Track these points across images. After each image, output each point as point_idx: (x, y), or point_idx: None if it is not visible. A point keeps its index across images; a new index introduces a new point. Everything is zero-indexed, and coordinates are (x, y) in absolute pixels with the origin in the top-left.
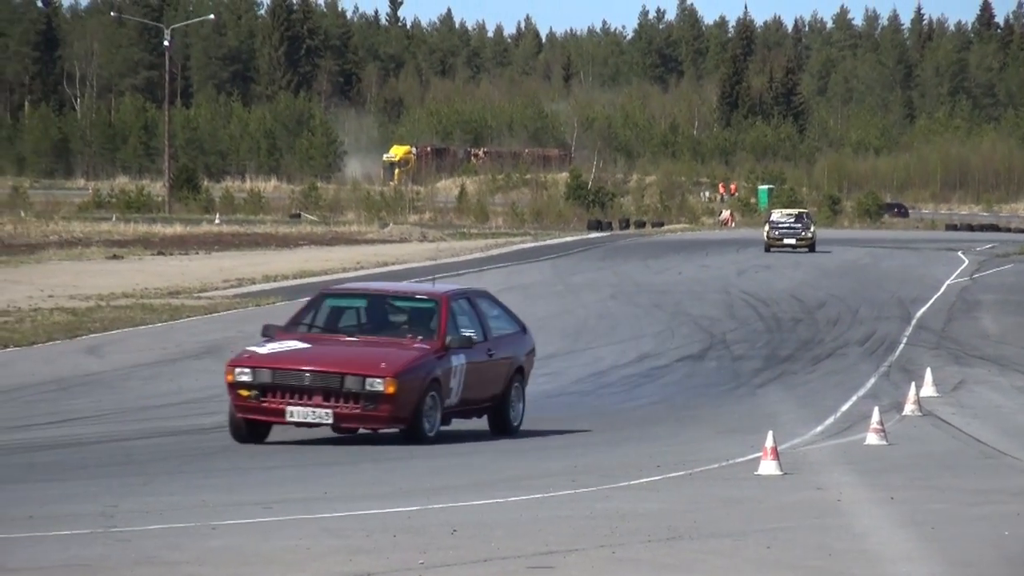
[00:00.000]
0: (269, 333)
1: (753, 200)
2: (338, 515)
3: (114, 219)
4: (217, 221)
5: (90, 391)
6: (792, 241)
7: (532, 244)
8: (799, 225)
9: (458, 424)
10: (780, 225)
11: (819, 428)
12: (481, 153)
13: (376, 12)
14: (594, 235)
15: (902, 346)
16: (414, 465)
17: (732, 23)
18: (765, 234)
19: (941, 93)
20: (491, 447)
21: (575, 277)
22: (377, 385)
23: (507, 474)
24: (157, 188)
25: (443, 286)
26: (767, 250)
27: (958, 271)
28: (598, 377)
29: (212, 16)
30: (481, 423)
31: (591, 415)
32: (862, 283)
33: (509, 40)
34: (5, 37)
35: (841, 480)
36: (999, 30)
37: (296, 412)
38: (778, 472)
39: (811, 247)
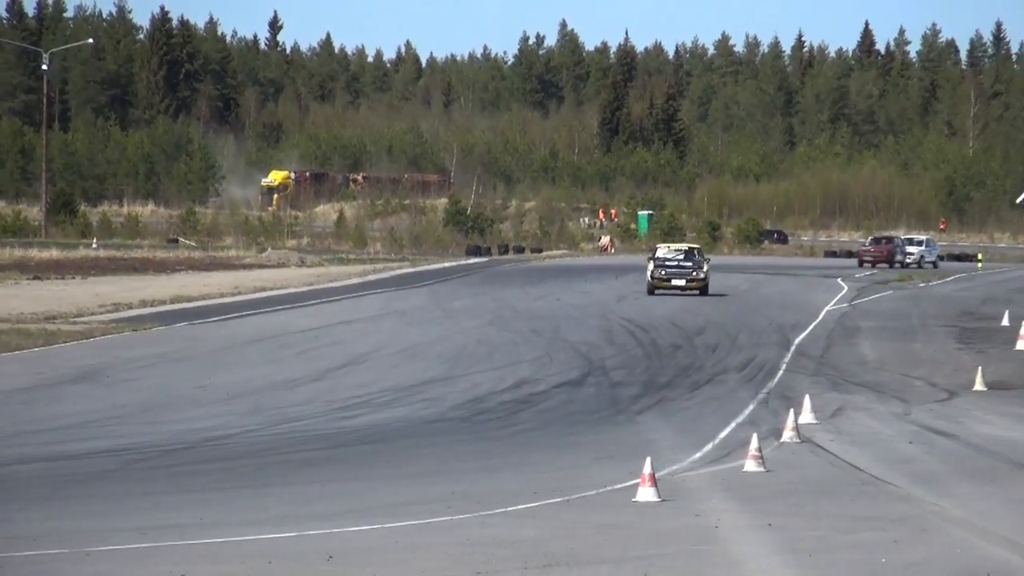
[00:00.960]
0: None
1: (633, 226)
2: (214, 541)
3: None
4: (94, 246)
5: None
6: (681, 283)
7: (410, 270)
8: (689, 264)
9: (333, 448)
10: (668, 263)
11: (697, 455)
12: (360, 178)
13: (255, 36)
14: (473, 261)
15: (781, 372)
16: (292, 491)
17: (613, 49)
18: (648, 274)
19: (821, 120)
20: (373, 472)
21: (453, 303)
22: None
23: (384, 500)
24: (34, 212)
25: None
26: (651, 292)
27: (837, 298)
28: (476, 403)
29: (91, 40)
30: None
31: (469, 441)
32: (741, 309)
33: (389, 65)
34: None
35: (719, 507)
36: (880, 57)
37: None
38: (656, 499)
39: (703, 290)
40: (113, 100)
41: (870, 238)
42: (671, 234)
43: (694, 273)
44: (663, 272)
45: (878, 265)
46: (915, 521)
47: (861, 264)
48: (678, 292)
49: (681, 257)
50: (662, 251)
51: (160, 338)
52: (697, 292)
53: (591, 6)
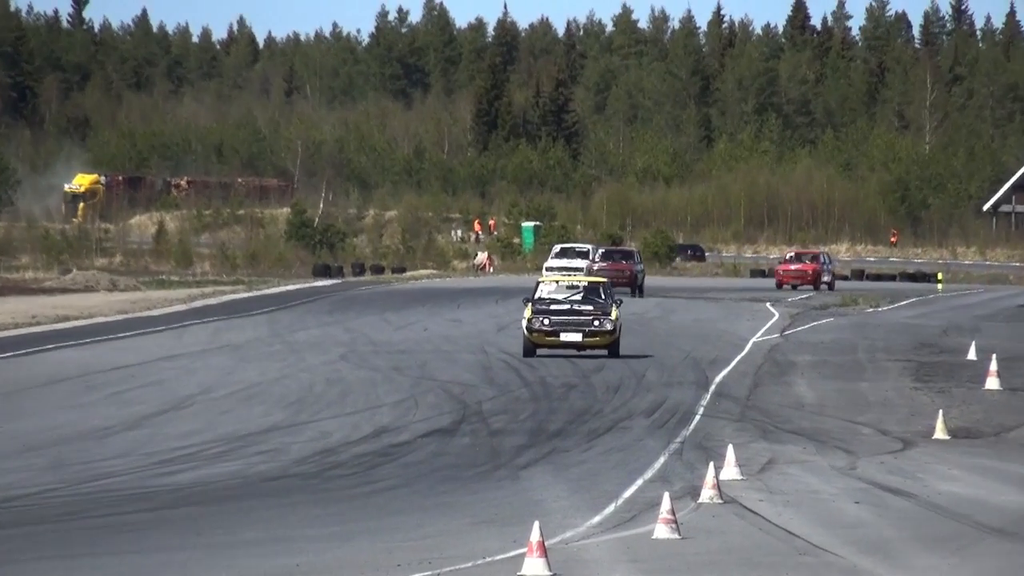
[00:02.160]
0: None
1: (516, 240)
2: None
3: None
4: None
5: None
6: (576, 337)
7: (245, 294)
8: (589, 307)
9: (153, 511)
10: (554, 307)
11: (596, 518)
12: (184, 183)
13: (56, 13)
14: (321, 283)
15: (698, 418)
16: (102, 563)
17: (491, 25)
18: (524, 324)
19: (745, 111)
20: (205, 539)
21: (297, 334)
22: None
23: (217, 574)
24: None
25: None
26: (528, 354)
27: (766, 327)
28: (325, 456)
29: None
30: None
31: (317, 503)
32: (649, 341)
33: (218, 47)
34: None
35: None
36: (815, 35)
37: None
38: (546, 572)
39: (613, 348)
40: None
41: (789, 253)
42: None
43: (596, 323)
44: (545, 322)
45: (801, 287)
46: None
47: (780, 286)
48: (572, 353)
49: (577, 295)
50: (545, 288)
51: None
52: (605, 351)
53: None
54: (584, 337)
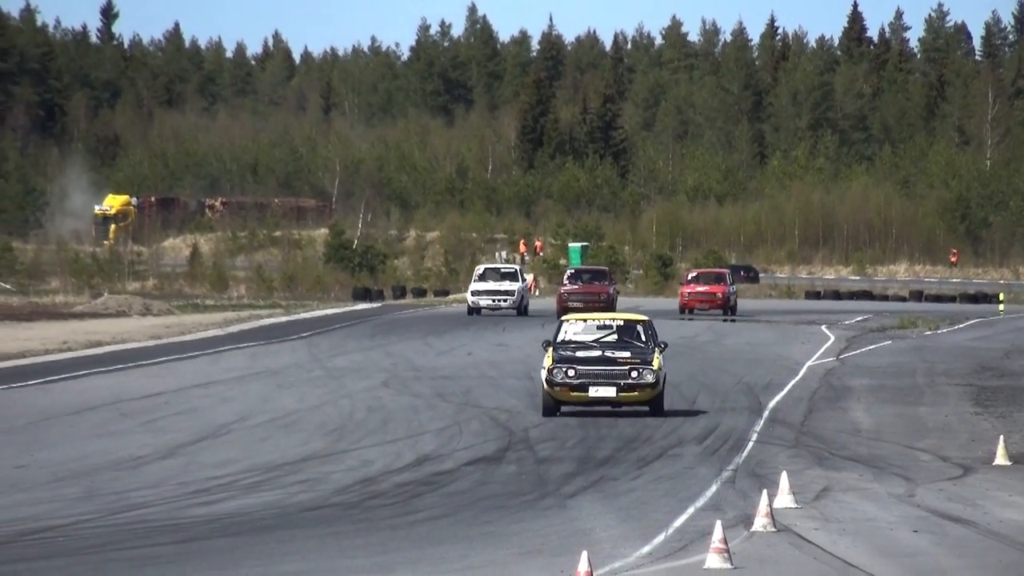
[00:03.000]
0: None
1: (563, 261)
2: None
3: None
4: None
5: None
6: (609, 392)
7: (283, 318)
8: (625, 352)
9: (187, 542)
10: (579, 354)
11: (647, 548)
12: (218, 204)
13: (85, 27)
14: (361, 306)
15: (751, 444)
16: None
17: (535, 39)
18: (544, 375)
19: (799, 126)
20: (235, 573)
21: (337, 359)
22: None
23: None
24: None
25: None
26: (549, 412)
27: (822, 350)
28: (366, 485)
29: None
30: None
31: (357, 533)
32: (701, 365)
33: (253, 62)
34: None
35: None
36: (872, 47)
37: None
38: None
39: (655, 404)
40: None
41: (692, 273)
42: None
43: (635, 373)
44: (570, 373)
45: (710, 311)
46: None
47: (684, 310)
48: (606, 409)
49: (610, 336)
50: (571, 325)
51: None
52: (647, 408)
53: None
54: (619, 392)
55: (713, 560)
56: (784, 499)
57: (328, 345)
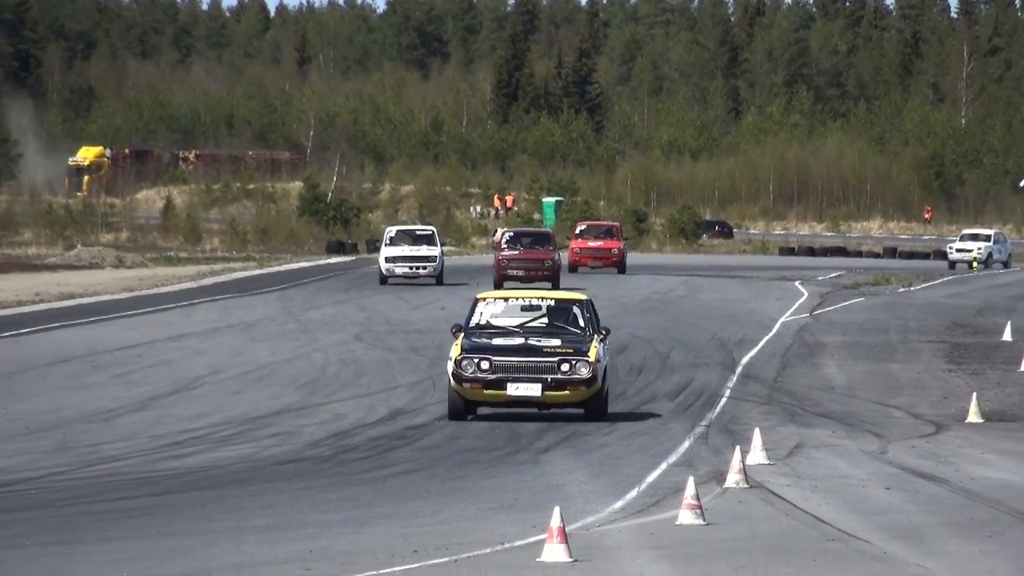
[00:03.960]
0: None
1: (537, 216)
2: None
3: None
4: None
5: None
6: (532, 391)
7: (256, 271)
8: (554, 340)
9: (161, 495)
10: (498, 343)
11: (619, 503)
12: (192, 156)
13: None
14: (335, 260)
15: (724, 400)
16: (109, 549)
17: None
18: (450, 369)
19: (775, 82)
20: (214, 525)
21: (310, 312)
22: None
23: (226, 560)
24: None
25: None
26: (456, 416)
27: (795, 306)
28: (339, 439)
29: None
30: None
31: (331, 487)
32: (674, 321)
33: (228, 14)
34: None
35: (646, 569)
36: (847, 3)
37: None
38: (567, 558)
39: (592, 407)
40: None
41: (580, 226)
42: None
43: (566, 366)
44: (483, 366)
45: (603, 269)
46: None
47: (574, 268)
48: (521, 405)
49: (539, 319)
50: (488, 305)
51: None
52: (581, 410)
53: None
54: (546, 390)
55: (685, 516)
56: (757, 455)
57: (301, 298)
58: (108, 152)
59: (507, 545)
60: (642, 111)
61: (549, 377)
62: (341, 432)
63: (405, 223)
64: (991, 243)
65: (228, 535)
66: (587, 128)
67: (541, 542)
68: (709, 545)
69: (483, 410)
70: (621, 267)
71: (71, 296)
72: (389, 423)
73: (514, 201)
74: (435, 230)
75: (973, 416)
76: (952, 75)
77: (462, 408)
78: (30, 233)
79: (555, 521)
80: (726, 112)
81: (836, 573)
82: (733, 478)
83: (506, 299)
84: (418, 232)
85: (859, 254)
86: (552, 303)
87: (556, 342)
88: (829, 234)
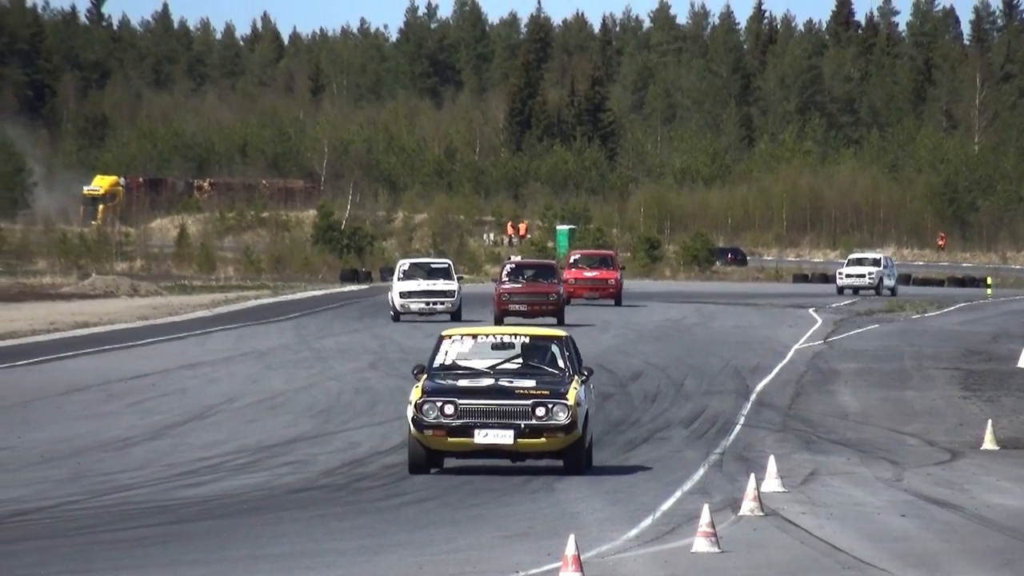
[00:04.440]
0: None
1: (551, 244)
2: None
3: None
4: None
5: None
6: (503, 437)
7: (271, 300)
8: (529, 383)
9: (175, 524)
10: (463, 384)
11: (634, 531)
12: (207, 185)
13: (74, 8)
14: (349, 288)
15: (738, 428)
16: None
17: (523, 21)
18: (410, 414)
19: (788, 110)
20: (229, 553)
21: (325, 341)
22: None
23: None
24: None
25: None
26: (416, 470)
27: (809, 333)
28: (354, 467)
29: None
30: None
31: (345, 515)
32: (688, 348)
33: (242, 43)
34: None
35: None
36: (860, 31)
37: None
38: None
39: (571, 455)
40: None
41: (575, 255)
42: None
43: (541, 411)
44: (447, 410)
45: (599, 301)
46: None
47: (568, 299)
48: (491, 455)
49: (513, 359)
50: (453, 343)
51: None
52: (559, 461)
53: None
54: (519, 437)
55: (700, 544)
56: (772, 483)
57: (316, 327)
58: (122, 181)
59: (522, 574)
60: (655, 138)
61: (522, 423)
62: (355, 460)
63: (419, 253)
64: (881, 267)
65: (243, 564)
66: (600, 156)
67: (556, 570)
68: (724, 573)
69: (449, 461)
70: (617, 299)
71: (85, 325)
72: (403, 451)
73: (527, 229)
74: (451, 263)
75: (988, 443)
76: (965, 102)
77: (424, 459)
78: (44, 262)
79: (570, 549)
80: (739, 139)
81: None
82: (748, 506)
83: (475, 336)
84: (433, 265)
85: None
86: (527, 340)
87: (531, 383)
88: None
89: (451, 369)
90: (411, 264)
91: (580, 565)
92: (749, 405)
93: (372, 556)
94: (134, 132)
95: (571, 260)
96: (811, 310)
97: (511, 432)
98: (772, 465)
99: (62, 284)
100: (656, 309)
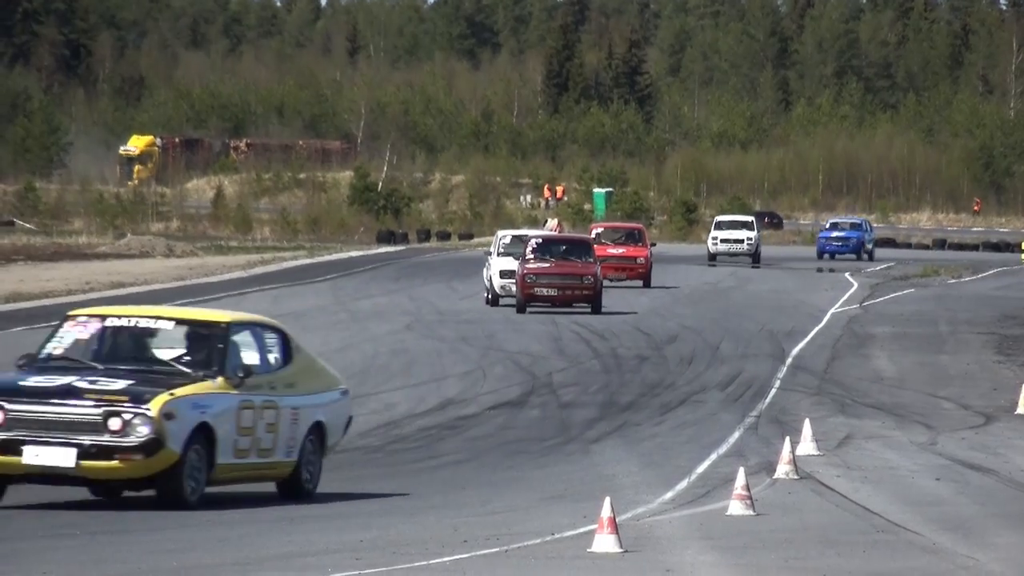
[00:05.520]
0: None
1: (587, 206)
2: None
3: None
4: None
5: None
6: None
7: (307, 261)
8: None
9: (208, 484)
10: None
11: (669, 494)
12: (243, 145)
13: None
14: (385, 249)
15: (774, 391)
16: (157, 538)
17: None
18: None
19: (824, 74)
20: (263, 514)
21: (361, 302)
22: None
23: (277, 550)
24: None
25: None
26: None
27: (845, 297)
28: (390, 428)
29: None
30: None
31: (381, 476)
32: (724, 312)
33: (279, 4)
34: None
35: (696, 559)
36: None
37: None
38: (617, 549)
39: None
40: None
41: (596, 229)
42: (633, 216)
43: (115, 422)
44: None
45: (628, 282)
46: None
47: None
48: (49, 479)
49: (160, 348)
50: (74, 328)
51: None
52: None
53: None
54: (83, 458)
55: (735, 507)
56: (807, 446)
57: (352, 288)
58: (159, 141)
59: (557, 535)
60: (692, 102)
61: (88, 439)
62: (391, 422)
63: (457, 215)
64: (755, 232)
65: (278, 525)
66: (637, 119)
67: (591, 533)
68: (759, 536)
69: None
70: (646, 279)
71: (121, 285)
72: (439, 413)
73: (564, 191)
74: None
75: (1022, 408)
76: (1001, 67)
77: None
78: (81, 222)
79: (605, 511)
80: (776, 103)
81: (886, 564)
82: (783, 469)
83: (103, 318)
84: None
85: (908, 245)
86: (171, 326)
87: (121, 384)
88: (879, 225)
89: (54, 362)
90: (512, 237)
91: (616, 527)
92: (785, 369)
93: (407, 517)
94: (170, 92)
95: (592, 234)
96: (847, 274)
97: (73, 451)
98: (807, 428)
99: (98, 244)
100: (692, 272)
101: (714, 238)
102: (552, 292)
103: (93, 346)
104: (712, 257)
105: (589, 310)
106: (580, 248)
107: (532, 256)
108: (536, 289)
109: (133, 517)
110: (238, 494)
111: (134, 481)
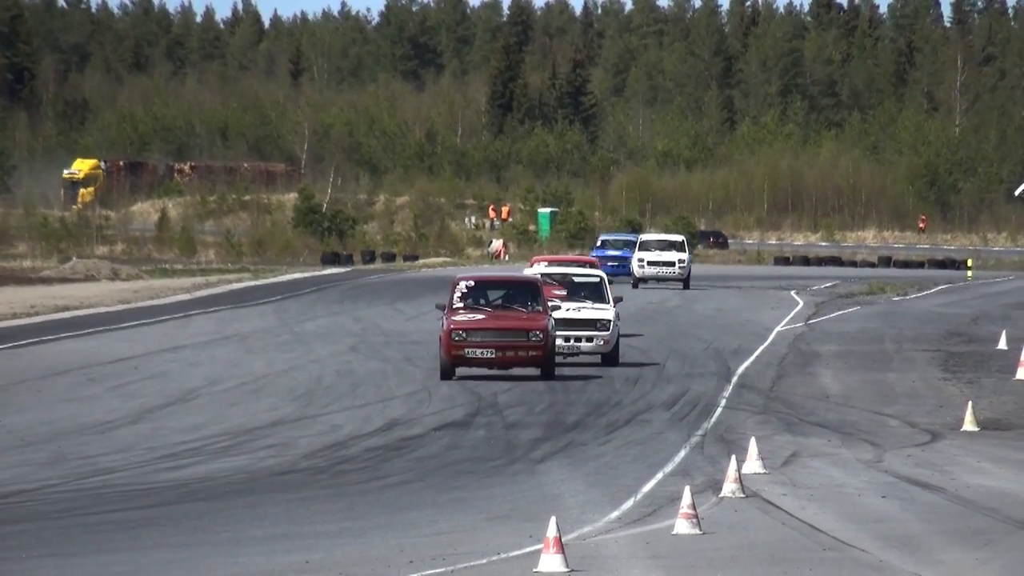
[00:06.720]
0: None
1: (532, 227)
2: None
3: None
4: None
5: None
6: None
7: (252, 283)
8: None
9: (156, 507)
10: None
11: (615, 513)
12: (187, 168)
13: None
14: (330, 271)
15: (720, 410)
16: (104, 561)
17: (505, 4)
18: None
19: (769, 92)
20: (209, 537)
21: (306, 324)
22: None
23: (223, 571)
24: None
25: None
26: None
27: (790, 315)
28: (335, 450)
29: None
30: None
31: (327, 498)
32: (669, 331)
33: (222, 26)
34: None
35: None
36: (841, 13)
37: None
38: (563, 568)
39: None
40: None
41: (539, 261)
42: (578, 236)
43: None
44: None
45: None
46: None
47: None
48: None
49: None
50: None
51: None
52: None
53: None
54: None
55: (682, 525)
56: (753, 464)
57: (297, 310)
58: (103, 164)
59: (503, 555)
60: (636, 121)
61: None
62: (337, 443)
63: (401, 237)
64: (687, 253)
65: (224, 547)
66: (582, 139)
67: (537, 552)
68: (706, 554)
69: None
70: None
71: (66, 309)
72: (385, 434)
73: (509, 212)
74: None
75: (969, 425)
76: (946, 84)
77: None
78: (25, 246)
79: (551, 531)
80: (720, 122)
81: None
82: (729, 487)
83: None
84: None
85: (854, 263)
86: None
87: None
88: (824, 244)
89: None
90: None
91: (562, 547)
92: (730, 387)
93: (354, 538)
94: (114, 115)
95: (533, 264)
96: (793, 292)
97: None
98: (753, 447)
99: (42, 268)
100: (636, 293)
101: (640, 260)
102: (488, 354)
103: None
104: (637, 283)
105: (538, 374)
106: (525, 292)
107: (461, 305)
108: (466, 350)
109: (79, 539)
110: (179, 515)
111: None
